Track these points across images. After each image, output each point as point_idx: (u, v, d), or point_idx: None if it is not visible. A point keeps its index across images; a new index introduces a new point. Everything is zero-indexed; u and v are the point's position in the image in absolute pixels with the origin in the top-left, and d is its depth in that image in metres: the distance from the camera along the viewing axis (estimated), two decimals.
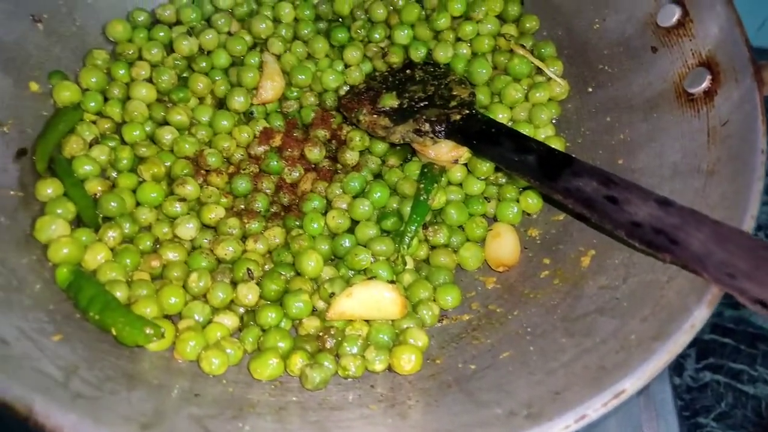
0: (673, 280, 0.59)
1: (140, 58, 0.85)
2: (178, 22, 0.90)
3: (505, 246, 0.77)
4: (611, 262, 0.68)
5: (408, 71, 0.89)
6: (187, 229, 0.74)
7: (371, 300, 0.68)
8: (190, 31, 0.89)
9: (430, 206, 0.78)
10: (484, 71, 0.86)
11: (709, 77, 0.71)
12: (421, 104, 0.83)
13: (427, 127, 0.79)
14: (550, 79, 0.87)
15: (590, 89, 0.85)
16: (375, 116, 0.82)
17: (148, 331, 0.61)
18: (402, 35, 0.90)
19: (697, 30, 0.74)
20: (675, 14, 0.76)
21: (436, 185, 0.78)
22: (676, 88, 0.75)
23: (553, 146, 0.71)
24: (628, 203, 0.61)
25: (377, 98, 0.85)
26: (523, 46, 0.88)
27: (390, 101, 0.84)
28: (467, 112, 0.79)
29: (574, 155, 0.74)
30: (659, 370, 0.52)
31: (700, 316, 0.54)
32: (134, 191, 0.76)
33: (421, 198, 0.77)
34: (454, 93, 0.83)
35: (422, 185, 0.78)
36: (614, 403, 0.50)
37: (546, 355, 0.61)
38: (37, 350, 0.54)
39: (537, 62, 0.87)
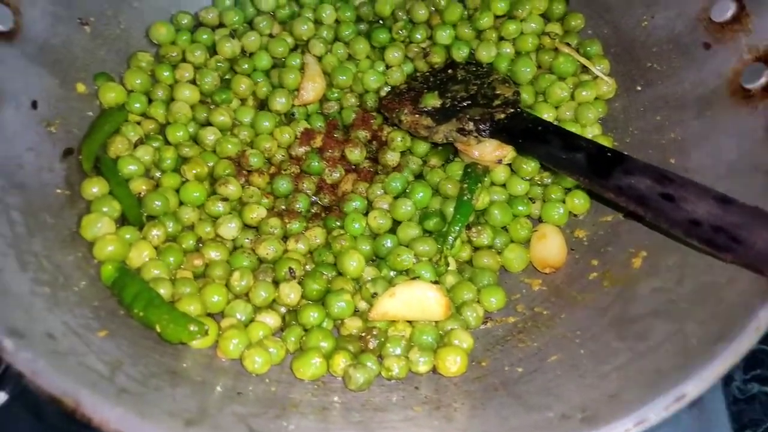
0: (734, 281, 0.57)
1: (184, 60, 0.86)
2: (221, 25, 0.90)
3: (550, 247, 0.75)
4: (665, 263, 0.66)
5: (450, 71, 0.88)
6: (229, 228, 0.74)
7: (415, 300, 0.67)
8: (232, 34, 0.89)
9: (474, 206, 0.76)
10: (528, 70, 0.85)
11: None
12: (464, 104, 0.81)
13: (471, 126, 0.77)
14: (596, 77, 0.85)
15: (639, 87, 0.83)
16: (417, 116, 0.81)
17: (192, 328, 0.60)
18: (444, 35, 0.89)
19: (754, 24, 0.71)
20: (730, 9, 0.73)
21: (479, 185, 0.77)
22: (731, 84, 0.72)
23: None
24: (685, 201, 0.59)
25: (419, 98, 0.84)
26: (568, 45, 0.86)
27: (432, 101, 0.83)
28: (512, 110, 0.78)
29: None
30: (722, 373, 0.49)
31: (765, 318, 0.51)
32: (177, 191, 0.76)
33: (465, 198, 0.76)
34: (498, 92, 0.81)
35: (466, 185, 0.77)
36: (675, 407, 0.48)
37: (597, 359, 0.59)
38: (83, 345, 0.54)
39: (583, 60, 0.85)
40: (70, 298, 0.59)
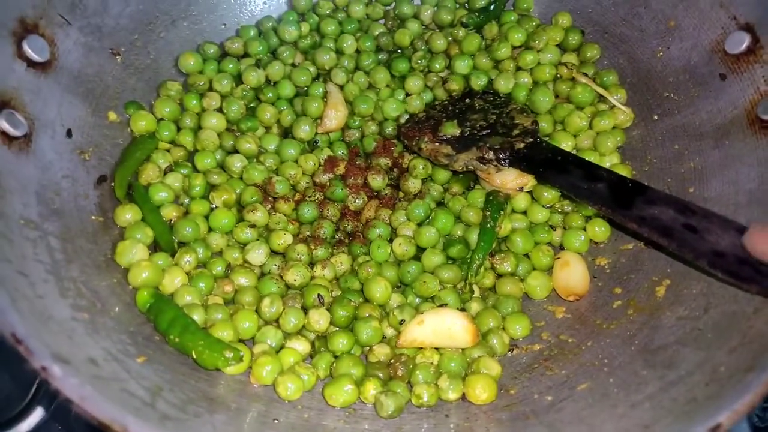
0: (761, 311, 0.58)
1: (210, 89, 0.88)
2: (246, 55, 0.92)
3: (574, 275, 0.76)
4: (689, 292, 0.67)
5: (468, 100, 0.90)
6: (257, 254, 0.75)
7: (443, 328, 0.68)
8: (258, 63, 0.91)
9: (497, 234, 0.78)
10: (546, 99, 0.86)
11: None
12: (483, 132, 0.83)
13: (491, 155, 0.79)
14: (613, 106, 0.86)
15: (656, 117, 0.84)
16: (437, 144, 0.83)
17: (227, 355, 0.61)
18: (462, 65, 0.91)
19: None
20: (744, 41, 0.75)
21: (502, 213, 0.78)
22: (749, 114, 0.74)
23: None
24: (709, 232, 0.60)
25: (438, 127, 0.86)
26: (585, 74, 0.88)
27: (451, 129, 0.84)
28: (531, 140, 0.79)
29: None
30: (756, 403, 0.50)
31: None
32: (206, 217, 0.78)
33: (488, 226, 0.77)
34: (517, 121, 0.83)
35: (488, 213, 0.78)
36: None
37: (627, 388, 0.59)
38: (123, 371, 0.55)
39: (600, 90, 0.87)
40: (107, 323, 0.60)
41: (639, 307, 0.70)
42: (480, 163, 0.80)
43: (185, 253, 0.72)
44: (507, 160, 0.79)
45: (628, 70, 0.89)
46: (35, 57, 0.70)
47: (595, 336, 0.69)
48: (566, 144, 0.84)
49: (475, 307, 0.75)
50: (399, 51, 0.97)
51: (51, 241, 0.63)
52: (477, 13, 0.94)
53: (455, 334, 0.68)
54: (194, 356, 0.61)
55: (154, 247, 0.74)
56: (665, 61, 0.84)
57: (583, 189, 0.70)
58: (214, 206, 0.79)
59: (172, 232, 0.74)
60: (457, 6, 0.98)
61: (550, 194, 0.80)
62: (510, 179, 0.80)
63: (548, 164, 0.76)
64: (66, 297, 0.58)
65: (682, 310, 0.65)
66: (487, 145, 0.80)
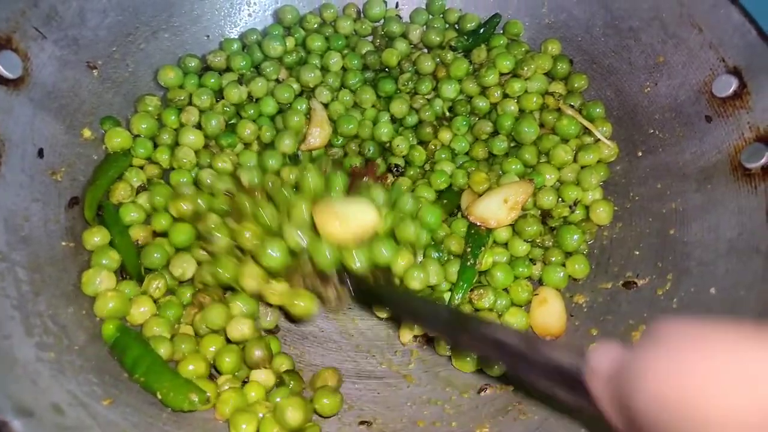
0: None
1: (190, 103, 0.86)
2: (228, 69, 0.90)
3: (551, 313, 0.76)
4: None
5: None
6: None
7: None
8: (240, 80, 0.89)
9: (477, 271, 0.77)
10: (531, 130, 0.85)
11: None
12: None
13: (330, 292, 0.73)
14: (598, 140, 0.86)
15: (640, 153, 0.84)
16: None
17: (193, 398, 0.60)
18: (449, 89, 0.90)
19: (755, 103, 0.73)
20: (731, 85, 0.75)
21: (483, 248, 0.78)
22: (732, 160, 0.74)
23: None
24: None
25: None
26: (572, 106, 0.88)
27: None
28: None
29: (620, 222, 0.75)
30: None
31: None
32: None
33: (469, 264, 0.76)
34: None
35: (469, 249, 0.77)
36: None
37: None
38: (89, 417, 0.53)
39: (585, 123, 0.86)
40: (75, 362, 0.59)
41: None
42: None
43: (153, 279, 0.70)
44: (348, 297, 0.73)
45: (614, 102, 0.88)
46: (7, 74, 0.67)
47: None
48: (550, 176, 0.83)
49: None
50: (386, 70, 0.95)
51: (18, 273, 0.61)
52: (466, 36, 0.93)
53: None
54: (160, 397, 0.60)
55: (122, 272, 0.72)
56: (652, 97, 0.84)
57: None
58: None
59: (139, 256, 0.72)
60: (447, 27, 0.96)
61: (532, 228, 0.80)
62: (502, 216, 0.79)
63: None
64: (32, 335, 0.57)
65: None
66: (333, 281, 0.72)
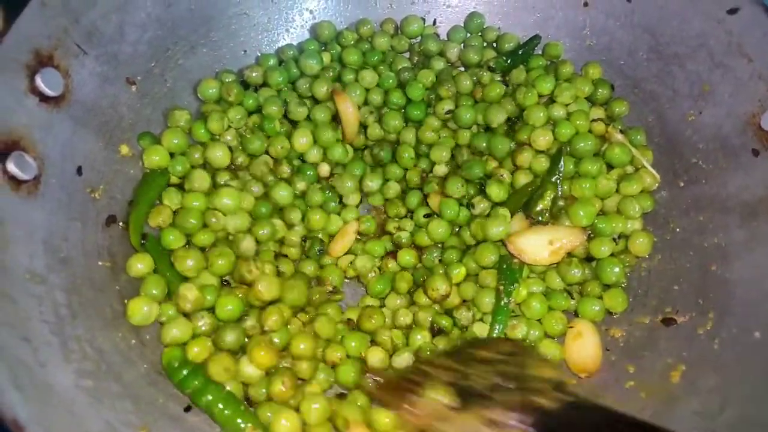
0: None
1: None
2: (264, 84, 0.89)
3: (587, 347, 0.75)
4: (704, 383, 0.65)
5: (470, 350, 0.67)
6: None
7: None
8: (279, 96, 0.88)
9: (511, 309, 0.76)
10: (590, 143, 0.81)
11: None
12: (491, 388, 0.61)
13: (511, 418, 0.56)
14: (639, 168, 0.84)
15: (681, 183, 0.82)
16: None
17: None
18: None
19: None
20: None
21: (516, 285, 0.76)
22: None
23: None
24: None
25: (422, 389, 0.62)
26: (621, 132, 0.85)
27: (441, 396, 0.60)
28: (563, 397, 0.57)
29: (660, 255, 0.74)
30: None
31: None
32: None
33: (503, 303, 0.75)
34: (535, 373, 0.62)
35: (502, 286, 0.75)
36: None
37: None
38: None
39: (633, 150, 0.83)
40: (111, 388, 0.59)
41: (652, 392, 0.68)
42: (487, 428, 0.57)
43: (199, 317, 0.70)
44: (533, 427, 0.56)
45: (656, 129, 0.86)
46: (48, 92, 0.67)
47: None
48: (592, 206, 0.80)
49: None
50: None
51: (57, 296, 0.61)
52: (505, 57, 0.91)
53: None
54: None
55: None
56: (696, 126, 0.82)
57: None
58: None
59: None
60: (485, 45, 0.95)
61: (575, 273, 0.77)
62: (544, 256, 0.77)
63: None
64: (70, 361, 0.57)
65: (697, 404, 0.64)
66: (501, 406, 0.57)
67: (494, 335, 0.74)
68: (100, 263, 0.69)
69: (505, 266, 0.77)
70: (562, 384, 0.61)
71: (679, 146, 0.83)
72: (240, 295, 0.71)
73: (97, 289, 0.67)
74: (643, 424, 0.54)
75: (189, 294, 0.68)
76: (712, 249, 0.76)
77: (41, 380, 0.52)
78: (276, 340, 0.69)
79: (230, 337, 0.67)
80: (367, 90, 0.90)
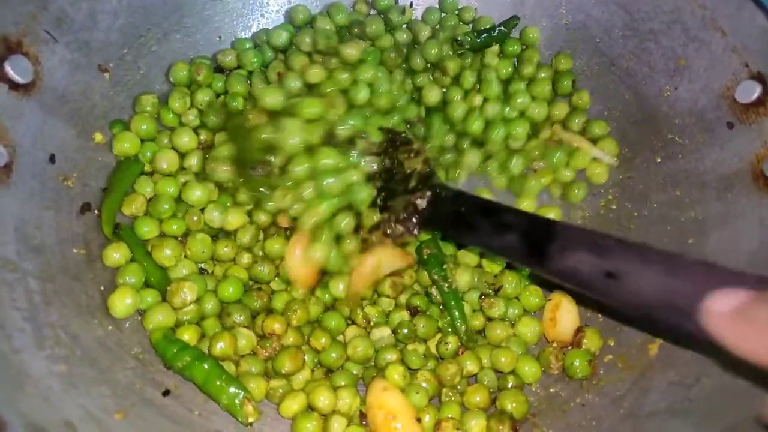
0: (755, 388, 0.57)
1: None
2: (238, 67, 0.89)
3: (565, 320, 0.75)
4: (682, 355, 0.66)
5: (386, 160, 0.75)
6: None
7: None
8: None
9: (456, 290, 0.75)
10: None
11: None
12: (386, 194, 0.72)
13: (398, 229, 0.70)
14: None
15: (659, 159, 0.82)
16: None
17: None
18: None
19: None
20: (755, 91, 0.73)
21: (445, 267, 0.75)
22: (754, 169, 0.72)
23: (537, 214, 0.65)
24: (629, 277, 0.49)
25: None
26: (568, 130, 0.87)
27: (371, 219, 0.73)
28: (429, 193, 0.69)
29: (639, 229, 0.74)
30: None
31: None
32: None
33: (446, 290, 0.75)
34: (409, 165, 0.72)
35: (435, 277, 0.74)
36: None
37: None
38: None
39: (581, 144, 0.86)
40: (87, 373, 0.59)
41: (630, 365, 0.69)
42: (389, 237, 0.70)
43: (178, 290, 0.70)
44: (415, 228, 0.69)
45: (633, 106, 0.86)
46: (18, 79, 0.67)
47: (584, 392, 0.68)
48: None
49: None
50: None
51: (30, 283, 0.60)
52: (476, 34, 0.90)
53: None
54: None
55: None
56: (672, 101, 0.82)
57: (495, 245, 0.62)
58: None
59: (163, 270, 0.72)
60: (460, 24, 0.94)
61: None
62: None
63: (453, 221, 0.66)
64: (43, 348, 0.57)
65: (673, 375, 0.64)
66: (392, 217, 0.70)
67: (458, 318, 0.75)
68: (74, 251, 0.69)
69: (425, 256, 0.75)
70: (428, 173, 0.71)
71: (656, 122, 0.84)
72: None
73: (72, 276, 0.66)
74: (489, 205, 0.65)
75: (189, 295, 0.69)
76: (689, 222, 0.76)
77: (15, 367, 0.52)
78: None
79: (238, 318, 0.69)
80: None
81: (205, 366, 0.63)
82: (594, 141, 0.86)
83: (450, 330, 0.74)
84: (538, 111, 0.86)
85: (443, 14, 0.94)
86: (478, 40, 0.90)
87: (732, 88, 0.75)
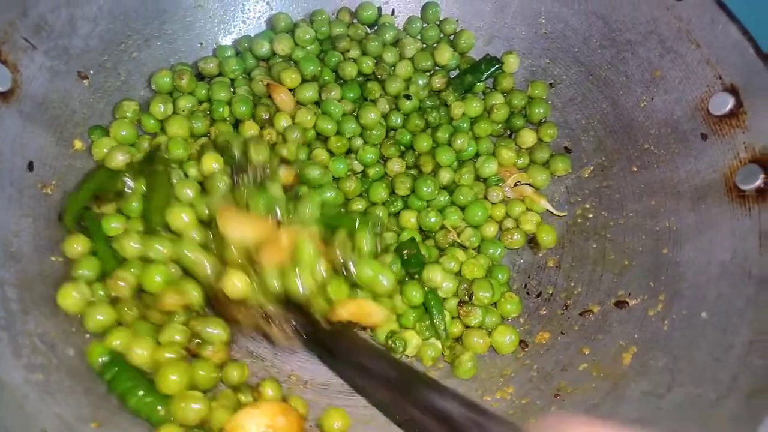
0: (724, 400, 0.58)
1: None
2: (220, 75, 0.89)
3: None
4: (654, 364, 0.67)
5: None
6: None
7: None
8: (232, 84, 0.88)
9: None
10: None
11: (762, 176, 0.69)
12: None
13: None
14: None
15: (635, 168, 0.83)
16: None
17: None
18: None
19: (751, 123, 0.72)
20: (728, 103, 0.74)
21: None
22: (727, 181, 0.73)
23: None
24: None
25: None
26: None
27: None
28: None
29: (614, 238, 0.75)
30: None
31: None
32: None
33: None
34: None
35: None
36: None
37: None
38: None
39: (531, 194, 0.88)
40: (63, 382, 0.59)
41: (605, 374, 0.70)
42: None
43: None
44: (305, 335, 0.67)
45: (610, 116, 0.87)
46: None
47: (559, 402, 0.69)
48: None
49: None
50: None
51: (7, 291, 0.60)
52: (461, 78, 0.92)
53: None
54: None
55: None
56: (648, 111, 0.83)
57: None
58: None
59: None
60: (441, 36, 0.95)
61: None
62: None
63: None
64: (20, 357, 0.57)
65: (646, 384, 0.65)
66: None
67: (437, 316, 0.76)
68: (52, 258, 0.69)
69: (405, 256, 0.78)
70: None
71: (632, 132, 0.85)
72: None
73: (50, 285, 0.66)
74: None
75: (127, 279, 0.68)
76: (664, 232, 0.77)
77: None
78: None
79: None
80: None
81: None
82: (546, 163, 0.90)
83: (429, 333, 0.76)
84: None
85: (425, 24, 0.94)
86: (463, 92, 0.92)
87: (706, 100, 0.76)
